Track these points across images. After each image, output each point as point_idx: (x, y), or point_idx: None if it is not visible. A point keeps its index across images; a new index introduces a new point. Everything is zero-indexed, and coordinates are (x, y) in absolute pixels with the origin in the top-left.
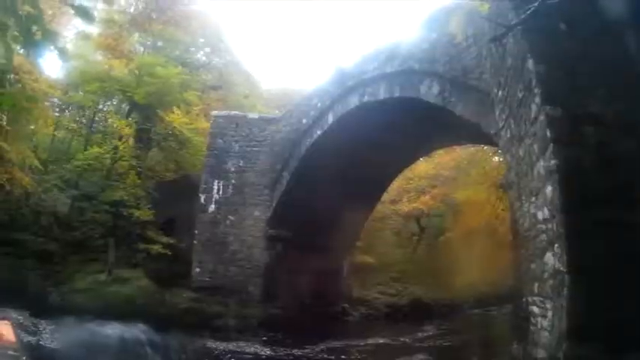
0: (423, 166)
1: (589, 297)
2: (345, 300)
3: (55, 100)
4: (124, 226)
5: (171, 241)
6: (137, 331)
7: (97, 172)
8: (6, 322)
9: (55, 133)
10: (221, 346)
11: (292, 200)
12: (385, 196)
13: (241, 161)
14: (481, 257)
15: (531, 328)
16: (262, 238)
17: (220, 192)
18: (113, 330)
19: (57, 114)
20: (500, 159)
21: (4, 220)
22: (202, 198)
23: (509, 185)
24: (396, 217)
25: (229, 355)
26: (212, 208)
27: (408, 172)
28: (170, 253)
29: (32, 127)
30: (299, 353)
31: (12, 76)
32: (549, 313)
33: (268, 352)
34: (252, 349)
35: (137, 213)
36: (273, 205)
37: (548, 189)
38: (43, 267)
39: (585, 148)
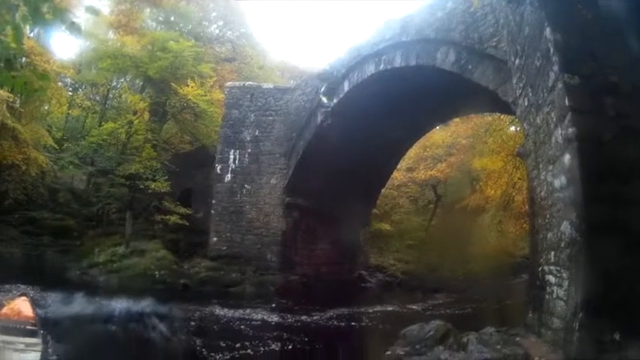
0: (439, 134)
1: (606, 267)
2: (362, 267)
3: (68, 80)
4: (140, 199)
5: (188, 212)
6: (144, 303)
7: (112, 147)
8: (24, 298)
9: (69, 111)
10: (229, 313)
11: (308, 168)
12: (402, 164)
13: (257, 131)
14: (497, 226)
15: (547, 297)
16: (279, 206)
17: (236, 161)
18: (120, 303)
19: (70, 93)
20: (517, 128)
21: (21, 199)
22: (218, 168)
23: (526, 153)
24: (412, 185)
25: (237, 322)
26: (228, 177)
27: (424, 140)
28: (187, 223)
29: (46, 107)
30: (307, 320)
31: (23, 59)
32: (565, 283)
33: (276, 319)
34: (259, 316)
35: (153, 185)
36: (290, 173)
37: (567, 157)
38: (61, 243)
39: (604, 118)
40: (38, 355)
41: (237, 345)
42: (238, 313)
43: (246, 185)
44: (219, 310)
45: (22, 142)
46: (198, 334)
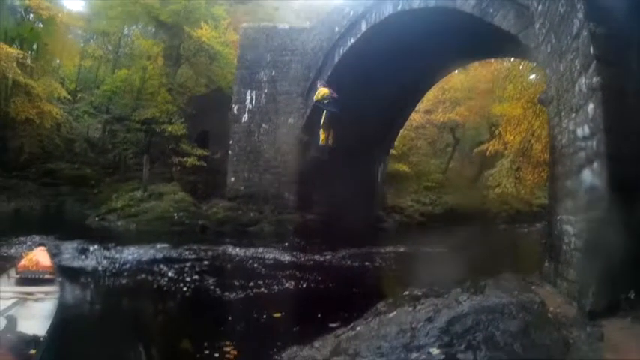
0: (458, 78)
1: (627, 223)
2: (380, 208)
3: (79, 32)
4: (157, 143)
5: (206, 153)
6: (158, 248)
7: (127, 94)
8: (42, 248)
9: (82, 63)
10: (245, 252)
11: (326, 107)
12: (420, 106)
13: (273, 71)
14: (515, 173)
15: (563, 247)
16: (296, 145)
17: (253, 102)
18: (132, 250)
19: (82, 44)
20: (537, 76)
21: (37, 153)
22: (235, 108)
23: (547, 100)
24: (430, 127)
25: (253, 262)
26: (245, 118)
27: (442, 83)
28: (205, 164)
29: (57, 61)
30: (320, 259)
31: (31, 16)
32: (583, 234)
33: (288, 258)
34: (275, 255)
35: (170, 128)
36: (307, 112)
37: (590, 106)
38: (79, 192)
39: (629, 69)
40: (56, 302)
41: (251, 284)
42: (254, 252)
43: (263, 125)
44: (234, 250)
45: (35, 97)
46: (212, 275)
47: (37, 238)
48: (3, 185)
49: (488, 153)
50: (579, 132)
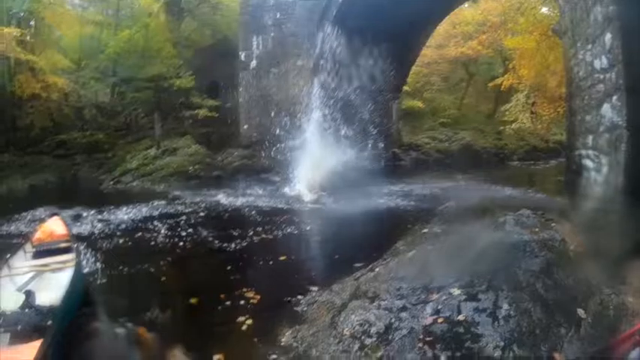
0: (468, 12)
1: None
2: (395, 145)
3: (77, 0)
4: (167, 99)
5: (217, 104)
6: (150, 207)
7: (132, 54)
8: (56, 217)
9: (83, 31)
10: (253, 201)
11: (335, 46)
12: (431, 41)
13: (278, 14)
14: (531, 107)
15: (583, 182)
16: (307, 86)
17: (260, 47)
18: (132, 210)
19: (80, 12)
20: (549, 10)
21: (47, 126)
22: (242, 55)
23: (562, 31)
24: (443, 63)
25: (259, 210)
26: (254, 63)
27: (452, 17)
28: (217, 115)
29: (57, 33)
30: (337, 200)
31: None
32: (604, 169)
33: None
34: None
35: (178, 82)
36: (316, 53)
37: (607, 37)
38: (93, 158)
39: None
40: (72, 269)
41: (250, 232)
42: (261, 200)
43: (272, 69)
44: (242, 199)
45: (38, 72)
46: (212, 227)
47: (37, 212)
48: (17, 163)
49: (503, 87)
50: (597, 64)
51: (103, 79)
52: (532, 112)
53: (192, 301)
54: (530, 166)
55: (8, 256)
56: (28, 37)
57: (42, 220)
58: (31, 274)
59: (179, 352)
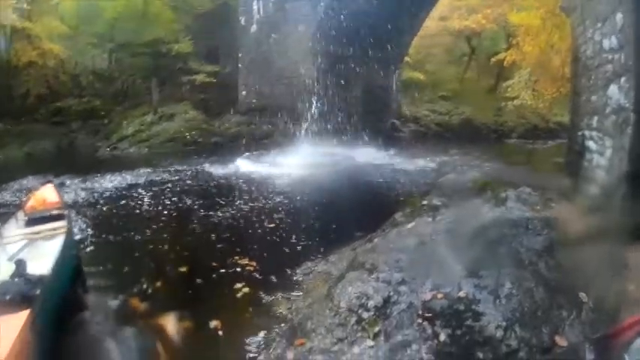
0: None
1: None
2: (395, 116)
3: None
4: (165, 65)
5: (215, 69)
6: (138, 175)
7: (131, 19)
8: (49, 185)
9: None
10: (245, 168)
11: (337, 13)
12: (434, 12)
13: None
14: (534, 85)
15: (585, 164)
16: (308, 53)
17: (261, 11)
18: (118, 178)
19: None
20: None
21: (44, 94)
22: (242, 20)
23: (571, 8)
24: (446, 35)
25: (248, 178)
26: (254, 28)
27: None
28: (215, 80)
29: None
30: (336, 168)
31: None
32: (608, 152)
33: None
34: (281, 169)
35: (177, 47)
36: (318, 18)
37: (618, 16)
38: (90, 125)
39: None
40: (63, 237)
41: (239, 201)
42: (257, 167)
43: (272, 35)
44: (237, 165)
45: (34, 39)
46: (197, 195)
47: (25, 181)
48: (13, 132)
49: (505, 63)
50: (606, 43)
51: (100, 45)
52: (534, 90)
53: (183, 269)
54: (529, 145)
55: None
56: (24, 5)
57: (29, 190)
58: (22, 243)
59: (172, 320)
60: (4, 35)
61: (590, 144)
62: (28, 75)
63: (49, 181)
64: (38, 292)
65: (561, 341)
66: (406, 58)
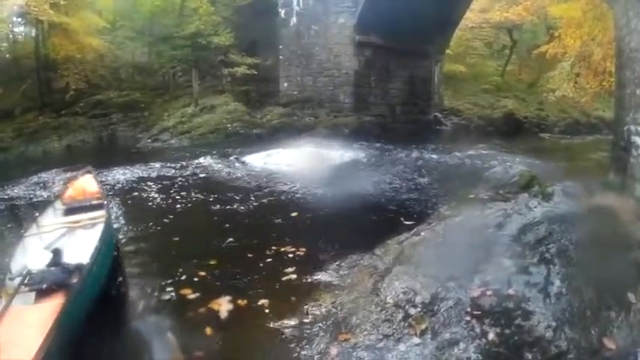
0: None
1: None
2: (437, 109)
3: None
4: (205, 57)
5: (256, 61)
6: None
7: (169, 14)
8: (88, 174)
9: None
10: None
11: (378, 5)
12: (475, 4)
13: None
14: (575, 78)
15: (632, 160)
16: (350, 45)
17: (300, 4)
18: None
19: None
20: None
21: (83, 88)
22: (282, 12)
23: None
24: (487, 28)
25: (284, 168)
26: (294, 20)
27: None
28: (256, 73)
29: None
30: (379, 160)
31: None
32: None
33: (346, 159)
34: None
35: (216, 39)
36: (359, 10)
37: None
38: (130, 117)
39: None
40: (102, 226)
41: (284, 191)
42: (299, 158)
43: (313, 27)
44: (274, 157)
45: (72, 33)
46: (243, 184)
47: (42, 174)
48: (52, 125)
49: (547, 56)
50: None
51: (139, 39)
52: (576, 83)
53: (212, 262)
54: (571, 139)
55: (37, 214)
56: (61, 1)
57: (43, 183)
58: (60, 232)
59: (224, 304)
60: (41, 30)
61: (637, 139)
62: (67, 69)
63: (88, 171)
64: (75, 280)
65: (610, 343)
66: (447, 51)
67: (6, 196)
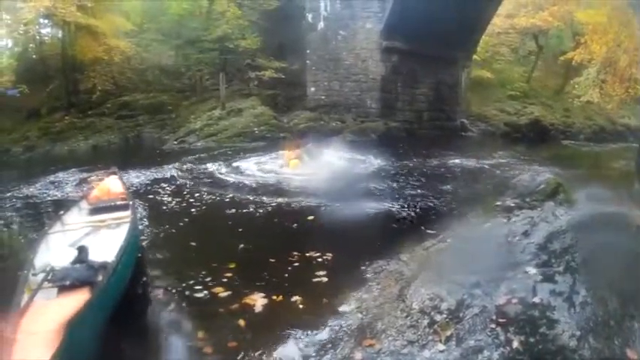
0: None
1: None
2: (463, 115)
3: None
4: (232, 60)
5: (283, 65)
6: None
7: (196, 17)
8: (113, 175)
9: None
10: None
11: (405, 10)
12: (501, 10)
13: None
14: (601, 85)
15: None
16: (376, 50)
17: (328, 8)
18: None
19: None
20: None
21: (110, 89)
22: (310, 17)
23: None
24: (513, 33)
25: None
26: (321, 25)
27: None
28: (283, 77)
29: None
30: (404, 167)
31: None
32: None
33: (374, 165)
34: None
35: (244, 43)
36: (386, 16)
37: None
38: (157, 119)
39: None
40: (128, 226)
41: (312, 194)
42: (327, 162)
43: (340, 32)
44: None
45: (99, 35)
46: (273, 187)
47: (60, 174)
48: (79, 126)
49: (574, 62)
50: None
51: (166, 41)
52: (602, 89)
53: (232, 266)
54: (597, 147)
55: (62, 212)
56: (88, 3)
57: (58, 183)
58: (85, 231)
59: (258, 299)
60: (68, 32)
61: None
62: (94, 70)
63: (114, 172)
64: (100, 278)
65: (632, 354)
66: (474, 56)
67: (28, 194)
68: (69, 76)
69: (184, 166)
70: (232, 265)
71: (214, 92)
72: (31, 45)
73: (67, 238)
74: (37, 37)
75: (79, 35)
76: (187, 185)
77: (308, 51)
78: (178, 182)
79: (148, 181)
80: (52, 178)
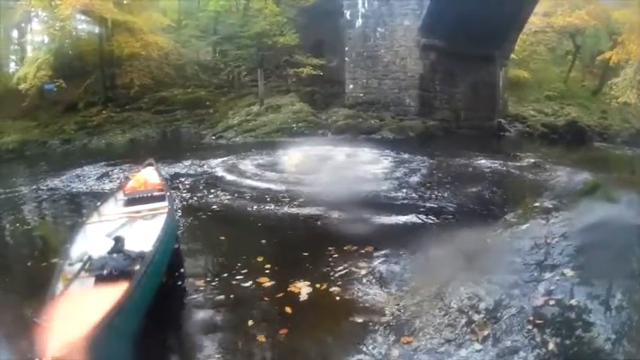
0: None
1: None
2: (501, 115)
3: None
4: (270, 57)
5: (321, 62)
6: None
7: (233, 13)
8: (150, 166)
9: None
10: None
11: (444, 7)
12: (538, 8)
13: None
14: (638, 87)
15: None
16: (415, 48)
17: (366, 5)
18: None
19: None
20: None
21: (148, 84)
22: (348, 14)
23: None
24: (550, 32)
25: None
26: (359, 22)
27: None
28: (321, 73)
29: None
30: (451, 163)
31: None
32: None
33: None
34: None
35: (282, 40)
36: (424, 13)
37: None
38: (195, 114)
39: None
40: (165, 216)
41: (355, 190)
42: (365, 160)
43: (378, 29)
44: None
45: (137, 31)
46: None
47: (86, 167)
48: (116, 120)
49: (611, 62)
50: None
51: (204, 37)
52: (639, 90)
53: (260, 259)
54: (629, 151)
55: (99, 203)
56: (124, 0)
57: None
58: (121, 221)
59: (303, 287)
60: (105, 28)
61: None
62: (132, 65)
63: (150, 164)
64: (137, 267)
65: None
66: (512, 55)
67: (63, 184)
68: (106, 71)
69: (224, 161)
70: (271, 257)
71: (252, 88)
72: (67, 41)
73: (104, 229)
74: (74, 33)
75: (116, 31)
76: (224, 179)
77: (346, 48)
78: (217, 175)
79: (182, 174)
80: (78, 171)
